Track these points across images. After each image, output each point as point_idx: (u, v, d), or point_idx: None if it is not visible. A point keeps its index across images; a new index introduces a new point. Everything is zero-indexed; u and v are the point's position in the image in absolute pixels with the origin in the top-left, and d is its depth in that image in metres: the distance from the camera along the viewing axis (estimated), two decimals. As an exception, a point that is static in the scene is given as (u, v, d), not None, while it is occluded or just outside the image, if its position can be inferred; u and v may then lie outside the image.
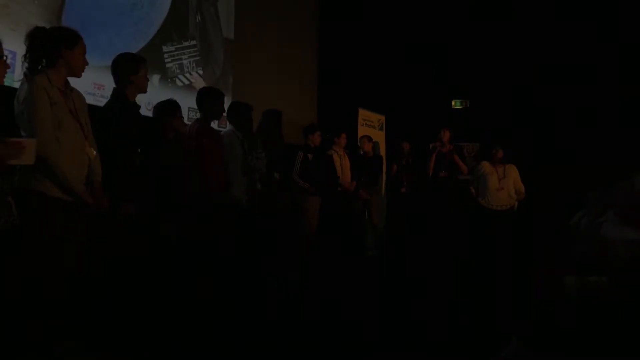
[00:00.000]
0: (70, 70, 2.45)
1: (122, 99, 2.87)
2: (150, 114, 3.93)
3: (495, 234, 5.31)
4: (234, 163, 3.83)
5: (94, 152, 2.50)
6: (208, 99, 3.68)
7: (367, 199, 6.02)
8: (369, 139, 6.33)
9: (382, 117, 7.40)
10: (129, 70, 2.86)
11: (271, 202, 4.18)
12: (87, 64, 2.52)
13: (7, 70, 2.33)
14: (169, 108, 3.43)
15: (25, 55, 2.37)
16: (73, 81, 2.54)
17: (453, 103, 7.56)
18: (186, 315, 2.96)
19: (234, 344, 2.76)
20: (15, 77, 3.27)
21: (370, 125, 7.18)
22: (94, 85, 3.94)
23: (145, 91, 2.96)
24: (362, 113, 7.05)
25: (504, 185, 5.47)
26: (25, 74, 2.37)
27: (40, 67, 2.37)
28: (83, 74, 2.54)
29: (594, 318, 1.51)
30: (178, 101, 3.58)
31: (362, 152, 6.22)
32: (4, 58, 2.19)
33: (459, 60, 7.02)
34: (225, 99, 3.96)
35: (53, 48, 2.37)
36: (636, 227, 2.09)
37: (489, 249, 5.16)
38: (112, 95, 2.93)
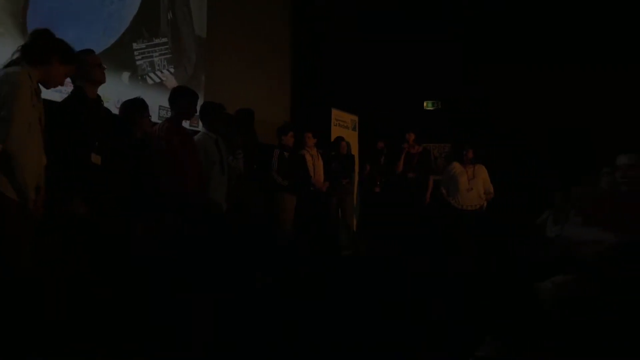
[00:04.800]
0: (47, 79, 2.41)
1: (80, 94, 2.82)
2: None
3: (465, 233, 5.42)
4: (211, 166, 3.80)
5: (45, 159, 2.43)
6: (181, 98, 3.63)
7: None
8: (344, 140, 6.37)
9: (355, 118, 7.44)
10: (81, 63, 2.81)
11: (248, 201, 4.18)
12: (62, 84, 2.51)
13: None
14: (136, 107, 3.37)
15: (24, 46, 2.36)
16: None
17: (425, 104, 7.67)
18: (162, 317, 2.92)
19: (214, 346, 2.74)
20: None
21: (343, 126, 7.21)
22: (61, 82, 3.83)
23: (102, 81, 2.90)
24: (335, 113, 7.08)
25: (473, 185, 5.58)
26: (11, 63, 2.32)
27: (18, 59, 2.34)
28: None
29: (565, 316, 1.56)
30: (149, 99, 3.52)
31: (333, 153, 6.27)
32: None
33: (431, 61, 7.12)
34: (198, 97, 3.91)
35: (47, 52, 2.37)
36: (598, 227, 2.17)
37: (459, 248, 5.25)
38: (71, 92, 2.88)
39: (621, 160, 2.56)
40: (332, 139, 6.58)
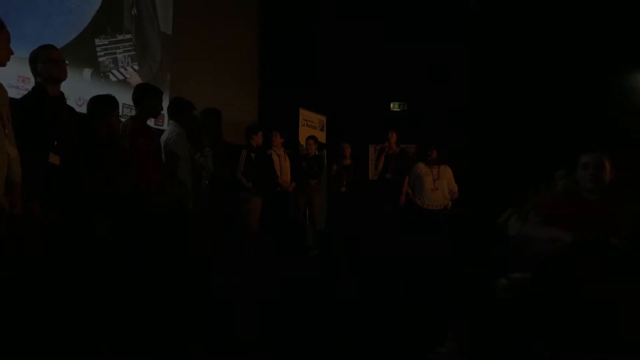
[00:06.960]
0: None
1: (39, 92, 2.72)
2: (80, 109, 3.75)
3: (430, 233, 5.51)
4: (184, 162, 3.76)
5: (15, 151, 2.35)
6: (146, 95, 3.56)
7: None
8: (315, 140, 6.36)
9: (323, 118, 7.46)
10: (37, 60, 2.72)
11: (217, 200, 4.15)
12: (12, 53, 2.37)
13: None
14: (105, 104, 3.27)
15: None
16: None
17: (391, 105, 7.76)
18: (120, 316, 2.86)
19: (173, 346, 2.70)
20: None
21: (311, 126, 7.23)
22: (19, 78, 3.69)
23: (61, 78, 2.80)
24: (303, 113, 7.08)
25: (438, 185, 5.68)
26: None
27: None
28: (7, 65, 2.38)
29: (520, 313, 1.62)
30: (111, 97, 3.42)
31: (305, 153, 6.28)
32: None
33: (397, 63, 7.20)
34: (163, 96, 3.85)
35: None
36: (555, 225, 2.25)
37: (424, 248, 5.33)
38: (31, 89, 2.79)
39: (585, 158, 2.49)
40: (300, 139, 6.59)
